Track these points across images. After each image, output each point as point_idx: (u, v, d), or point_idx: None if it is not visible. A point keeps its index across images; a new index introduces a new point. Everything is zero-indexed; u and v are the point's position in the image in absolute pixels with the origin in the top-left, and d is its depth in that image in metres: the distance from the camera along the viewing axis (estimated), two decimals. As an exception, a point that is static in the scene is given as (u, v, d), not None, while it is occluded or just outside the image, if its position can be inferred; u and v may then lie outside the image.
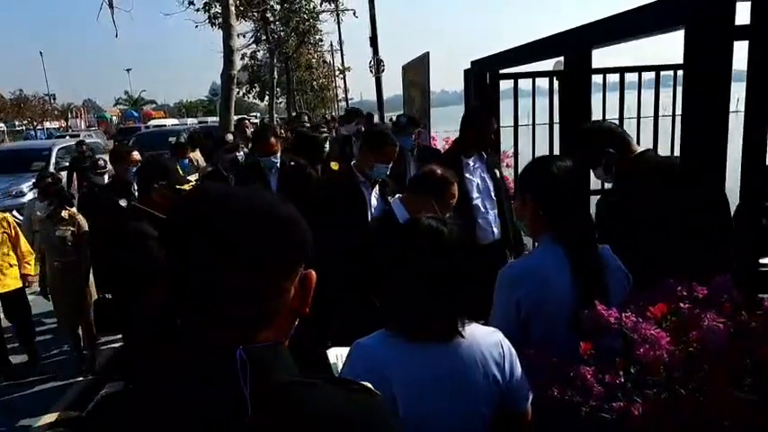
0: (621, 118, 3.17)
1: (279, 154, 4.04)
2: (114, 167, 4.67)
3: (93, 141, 14.32)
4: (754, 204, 1.86)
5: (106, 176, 5.05)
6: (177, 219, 0.74)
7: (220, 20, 10.01)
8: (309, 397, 0.74)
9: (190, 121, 39.87)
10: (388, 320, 1.39)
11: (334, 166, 3.65)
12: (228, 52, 8.22)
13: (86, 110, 60.41)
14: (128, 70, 66.34)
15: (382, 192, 3.21)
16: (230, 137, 5.47)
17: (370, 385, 0.81)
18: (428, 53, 6.09)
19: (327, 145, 5.55)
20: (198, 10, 12.36)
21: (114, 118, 55.14)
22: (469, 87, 4.28)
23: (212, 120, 28.37)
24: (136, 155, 4.54)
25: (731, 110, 1.75)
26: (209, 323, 0.73)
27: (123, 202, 4.14)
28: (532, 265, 1.70)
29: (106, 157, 5.22)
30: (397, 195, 2.90)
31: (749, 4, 1.69)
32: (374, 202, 3.19)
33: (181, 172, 2.72)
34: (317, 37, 25.28)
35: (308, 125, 7.02)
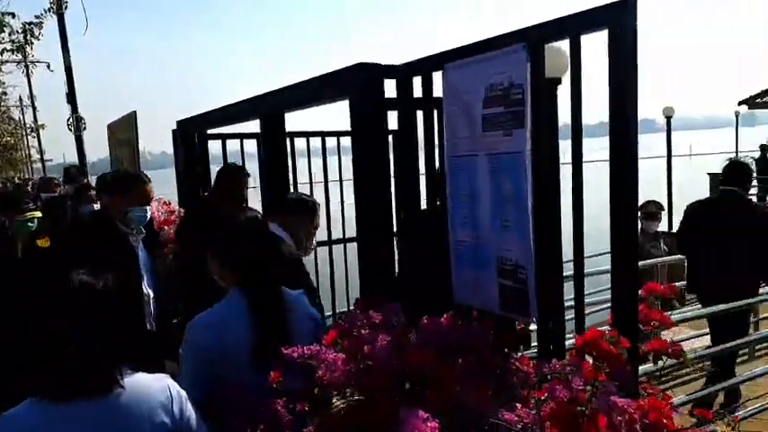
0: (311, 180, 3.49)
1: None
2: None
3: None
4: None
5: None
6: None
7: None
8: None
9: None
10: (33, 385, 1.31)
11: (43, 243, 3.18)
12: None
13: None
14: None
15: (146, 244, 2.91)
16: None
17: None
18: (135, 112, 5.86)
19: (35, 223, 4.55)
20: None
21: None
22: (178, 148, 4.26)
23: None
24: None
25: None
26: None
27: None
28: (217, 316, 1.76)
29: None
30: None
31: (394, 81, 2.10)
32: (141, 255, 2.88)
33: None
34: (0, 90, 21.85)
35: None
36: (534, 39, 1.57)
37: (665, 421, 1.18)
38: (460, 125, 1.86)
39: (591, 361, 1.36)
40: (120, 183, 2.84)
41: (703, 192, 15.82)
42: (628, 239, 1.41)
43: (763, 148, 16.79)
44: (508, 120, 1.67)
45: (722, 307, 3.88)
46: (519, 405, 1.39)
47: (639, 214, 6.51)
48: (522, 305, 1.72)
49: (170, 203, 5.27)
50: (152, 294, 2.90)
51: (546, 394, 1.33)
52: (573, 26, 1.48)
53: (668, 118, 9.13)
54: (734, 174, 4.23)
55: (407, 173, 2.16)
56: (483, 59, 1.73)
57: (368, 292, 2.17)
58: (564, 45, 1.66)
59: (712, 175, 15.90)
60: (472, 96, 1.78)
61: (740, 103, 16.51)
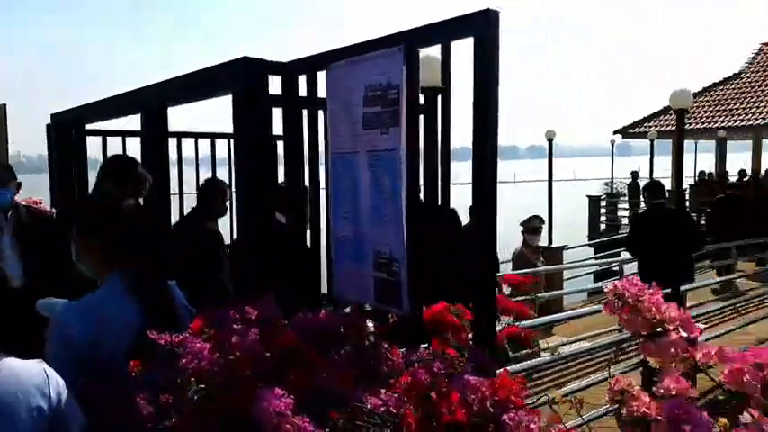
0: (181, 182, 3.34)
1: None
2: None
3: None
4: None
5: None
6: None
7: None
8: None
9: None
10: None
11: None
12: None
13: None
14: None
15: None
16: None
17: None
18: (4, 105, 5.39)
19: None
20: None
21: None
22: (52, 144, 3.97)
23: None
24: None
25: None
26: None
27: None
28: (94, 303, 1.69)
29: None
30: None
31: (280, 78, 2.10)
32: None
33: None
34: None
35: None
36: (410, 43, 1.65)
37: (513, 398, 1.27)
38: (343, 123, 1.91)
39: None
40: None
41: (583, 210, 17.29)
42: (486, 233, 1.51)
43: (633, 174, 18.58)
44: (386, 118, 1.74)
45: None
46: (384, 390, 1.44)
47: (523, 228, 6.93)
48: (395, 297, 1.78)
49: (41, 202, 4.90)
50: None
51: (409, 378, 1.39)
52: (443, 33, 1.58)
53: (550, 141, 9.91)
54: (657, 190, 6.22)
55: (294, 174, 2.17)
56: (363, 60, 1.79)
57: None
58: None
59: (591, 198, 17.41)
60: (353, 95, 1.84)
61: (615, 133, 18.16)
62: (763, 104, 17.51)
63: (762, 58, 19.96)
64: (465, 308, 1.34)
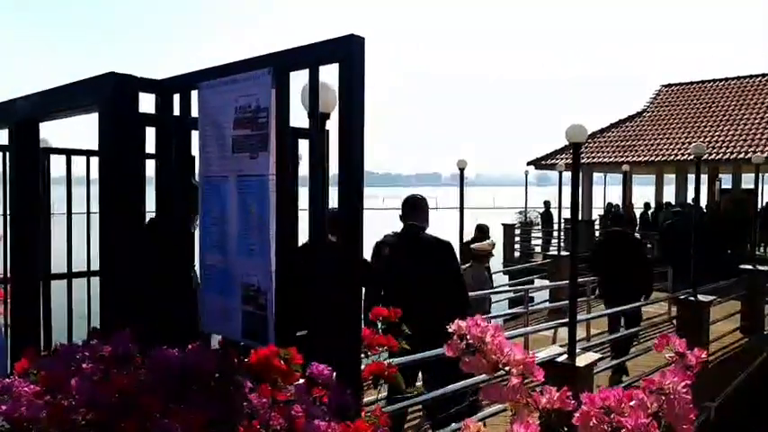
0: (69, 208, 3.10)
1: None
2: None
3: None
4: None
5: None
6: None
7: None
8: None
9: None
10: None
11: None
12: None
13: None
14: None
15: None
16: None
17: None
18: None
19: None
20: None
21: None
22: None
23: None
24: None
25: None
26: None
27: None
28: None
29: None
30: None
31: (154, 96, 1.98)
32: None
33: None
34: None
35: None
36: (279, 65, 1.59)
37: (365, 442, 1.20)
38: (213, 146, 1.81)
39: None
40: None
41: (497, 236, 17.82)
42: (351, 265, 1.46)
43: (546, 204, 19.41)
44: (255, 142, 1.66)
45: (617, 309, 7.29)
46: (237, 435, 1.33)
47: (480, 251, 6.99)
48: (262, 332, 1.68)
49: None
50: None
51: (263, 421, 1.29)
52: (311, 57, 1.53)
53: (461, 170, 10.22)
54: (615, 220, 8.07)
55: (166, 198, 2.04)
56: (234, 81, 1.71)
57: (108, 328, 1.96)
58: (331, 80, 1.71)
59: (505, 226, 18.00)
60: (224, 117, 1.75)
61: (528, 164, 18.96)
62: (662, 142, 18.91)
63: (662, 99, 21.63)
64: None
